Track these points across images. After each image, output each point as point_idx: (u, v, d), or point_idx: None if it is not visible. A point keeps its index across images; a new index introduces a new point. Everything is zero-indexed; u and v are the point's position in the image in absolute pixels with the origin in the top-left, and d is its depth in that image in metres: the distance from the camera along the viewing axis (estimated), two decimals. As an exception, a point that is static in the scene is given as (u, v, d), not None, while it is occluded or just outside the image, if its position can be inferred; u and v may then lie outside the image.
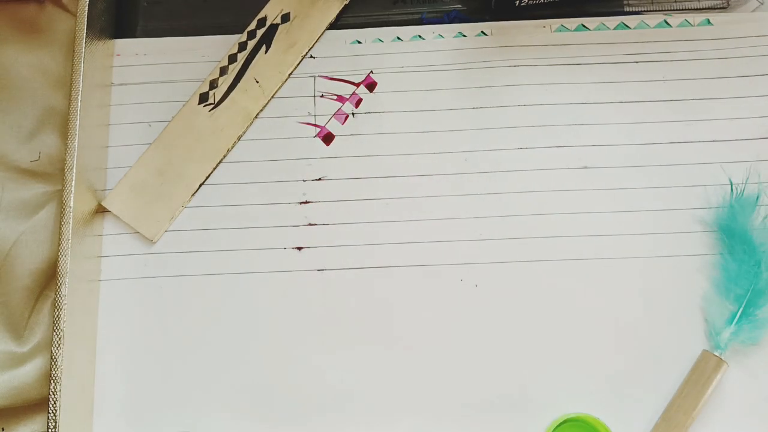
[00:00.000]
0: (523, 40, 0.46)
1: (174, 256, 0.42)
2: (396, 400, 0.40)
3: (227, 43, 0.46)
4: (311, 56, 0.46)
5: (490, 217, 0.42)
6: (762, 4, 0.46)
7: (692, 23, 0.46)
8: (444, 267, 0.41)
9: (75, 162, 0.39)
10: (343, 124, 0.44)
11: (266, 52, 0.45)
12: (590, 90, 0.45)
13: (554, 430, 0.38)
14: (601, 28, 0.46)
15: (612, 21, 0.46)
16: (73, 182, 0.39)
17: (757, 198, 0.42)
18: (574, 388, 0.40)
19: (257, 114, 0.45)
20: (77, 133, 0.39)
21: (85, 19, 0.41)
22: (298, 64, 0.45)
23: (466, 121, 0.44)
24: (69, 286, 0.37)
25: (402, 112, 0.45)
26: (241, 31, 0.46)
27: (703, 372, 0.38)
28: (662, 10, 0.46)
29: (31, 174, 0.43)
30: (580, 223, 0.42)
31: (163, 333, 0.41)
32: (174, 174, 0.43)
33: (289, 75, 0.45)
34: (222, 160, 0.44)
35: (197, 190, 0.43)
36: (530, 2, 0.45)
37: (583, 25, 0.46)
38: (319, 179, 0.43)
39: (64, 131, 0.42)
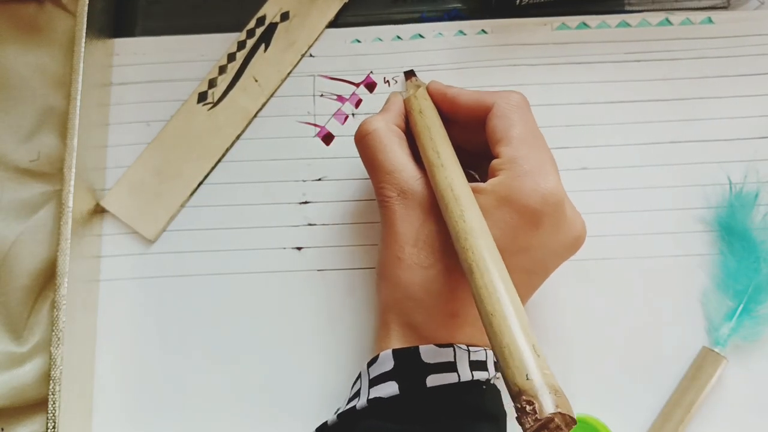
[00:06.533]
0: (524, 38, 0.46)
1: (173, 255, 0.42)
2: (395, 400, 0.39)
3: (226, 41, 0.46)
4: (311, 55, 0.46)
5: (490, 216, 0.42)
6: (763, 3, 0.46)
7: (693, 21, 0.46)
8: (444, 267, 0.41)
9: (74, 162, 0.39)
10: (343, 124, 0.44)
11: (265, 50, 0.45)
12: (591, 89, 0.44)
13: (554, 430, 0.38)
14: (602, 26, 0.46)
15: (613, 19, 0.46)
16: (72, 182, 0.39)
17: (756, 196, 0.42)
18: (574, 388, 0.39)
19: (256, 113, 0.44)
20: (76, 132, 0.39)
21: (85, 19, 0.41)
22: (297, 63, 0.45)
23: (466, 120, 0.44)
24: (68, 286, 0.37)
25: (402, 111, 0.44)
26: (240, 30, 0.46)
27: (702, 368, 0.39)
28: (664, 9, 0.46)
29: (30, 174, 0.43)
30: (580, 223, 0.42)
31: (163, 333, 0.41)
32: (173, 173, 0.43)
33: (289, 74, 0.45)
34: (221, 159, 0.44)
35: (196, 189, 0.43)
36: (531, 0, 0.45)
37: (585, 23, 0.46)
38: (319, 179, 0.43)
39: (63, 131, 0.41)
